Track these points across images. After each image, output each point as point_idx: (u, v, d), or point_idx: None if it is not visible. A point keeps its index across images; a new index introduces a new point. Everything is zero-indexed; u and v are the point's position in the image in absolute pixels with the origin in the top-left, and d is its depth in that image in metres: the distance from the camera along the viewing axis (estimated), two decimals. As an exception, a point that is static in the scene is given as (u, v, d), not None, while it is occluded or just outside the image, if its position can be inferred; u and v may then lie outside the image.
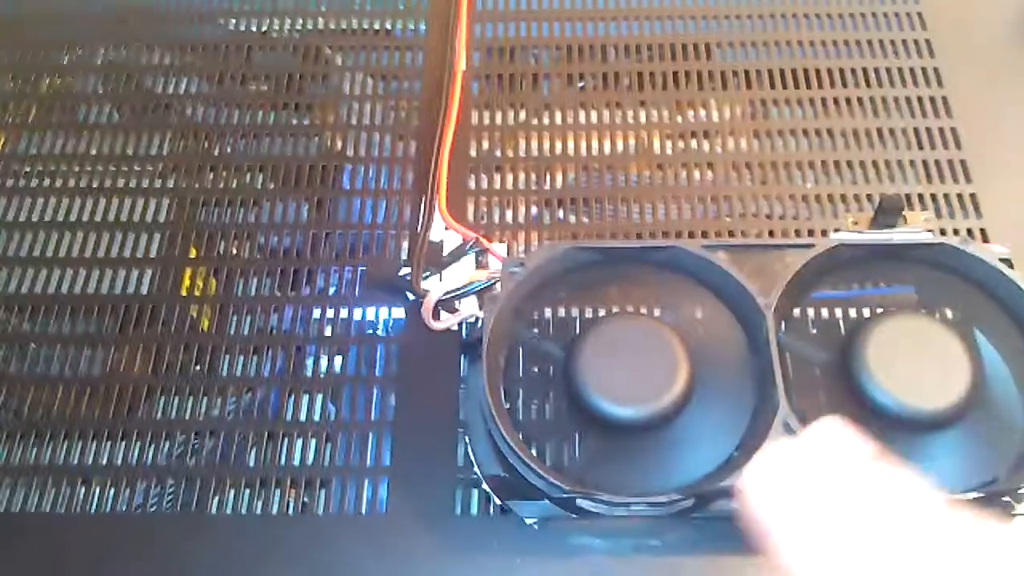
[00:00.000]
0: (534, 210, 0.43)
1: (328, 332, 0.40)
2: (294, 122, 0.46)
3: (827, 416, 0.28)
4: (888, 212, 0.37)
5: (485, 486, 0.35)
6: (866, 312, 0.37)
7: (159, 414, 0.38)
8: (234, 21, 0.50)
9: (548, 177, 0.44)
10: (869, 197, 0.42)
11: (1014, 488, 0.33)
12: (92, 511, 0.36)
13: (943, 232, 0.40)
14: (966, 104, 0.45)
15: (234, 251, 0.42)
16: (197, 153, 0.45)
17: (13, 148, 0.46)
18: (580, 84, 0.47)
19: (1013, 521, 0.34)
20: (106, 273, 0.42)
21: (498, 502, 0.35)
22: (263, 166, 0.45)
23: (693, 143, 0.45)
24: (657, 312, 0.36)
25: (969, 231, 0.41)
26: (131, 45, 0.49)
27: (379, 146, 0.45)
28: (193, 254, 0.43)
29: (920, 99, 0.45)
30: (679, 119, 0.46)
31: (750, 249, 0.36)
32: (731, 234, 0.42)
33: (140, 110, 0.47)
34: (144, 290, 0.41)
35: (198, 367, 0.39)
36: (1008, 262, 0.36)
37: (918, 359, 0.34)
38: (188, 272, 0.42)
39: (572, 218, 0.43)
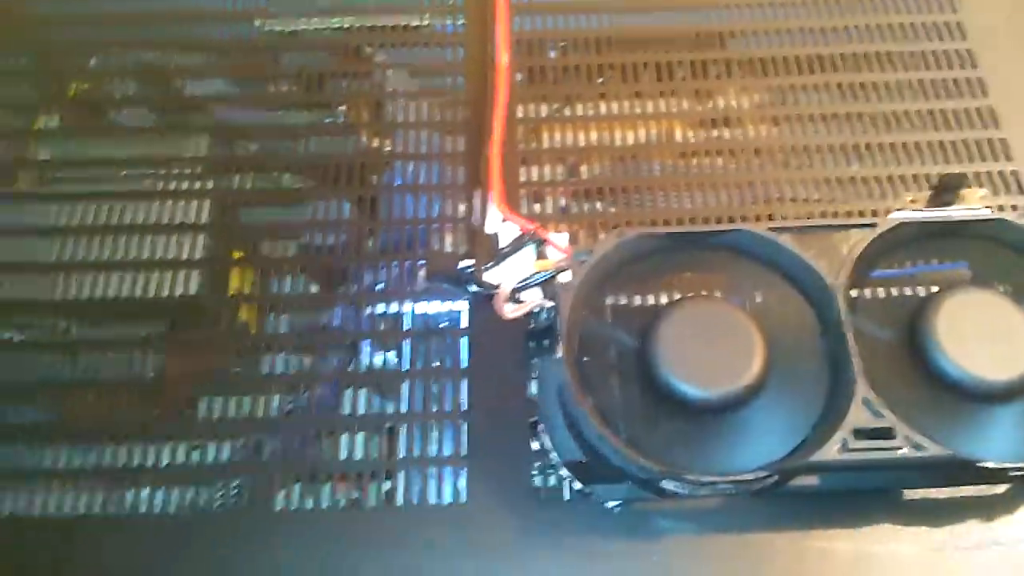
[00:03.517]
0: (563, 200, 0.43)
1: (391, 327, 0.40)
2: (341, 121, 0.46)
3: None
4: (948, 190, 0.38)
5: (563, 471, 0.36)
6: (922, 289, 0.37)
7: (229, 411, 0.38)
8: (271, 21, 0.49)
9: (587, 167, 0.45)
10: (915, 178, 0.43)
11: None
12: (145, 513, 0.36)
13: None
14: (1002, 83, 0.46)
15: (290, 251, 0.42)
16: (236, 155, 0.45)
17: (47, 154, 0.45)
18: (600, 78, 0.47)
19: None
20: (152, 276, 0.41)
21: (576, 487, 0.36)
22: (314, 166, 0.44)
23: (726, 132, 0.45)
24: (723, 295, 0.37)
25: (1013, 207, 0.42)
26: (163, 47, 0.49)
27: (428, 143, 0.45)
28: (238, 255, 0.42)
29: (956, 81, 0.46)
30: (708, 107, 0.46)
31: (814, 230, 0.37)
32: (771, 218, 0.42)
33: (175, 112, 0.47)
34: (195, 291, 0.41)
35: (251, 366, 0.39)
36: (1064, 232, 0.37)
37: (985, 332, 0.35)
38: (240, 272, 0.42)
39: (612, 209, 0.43)
